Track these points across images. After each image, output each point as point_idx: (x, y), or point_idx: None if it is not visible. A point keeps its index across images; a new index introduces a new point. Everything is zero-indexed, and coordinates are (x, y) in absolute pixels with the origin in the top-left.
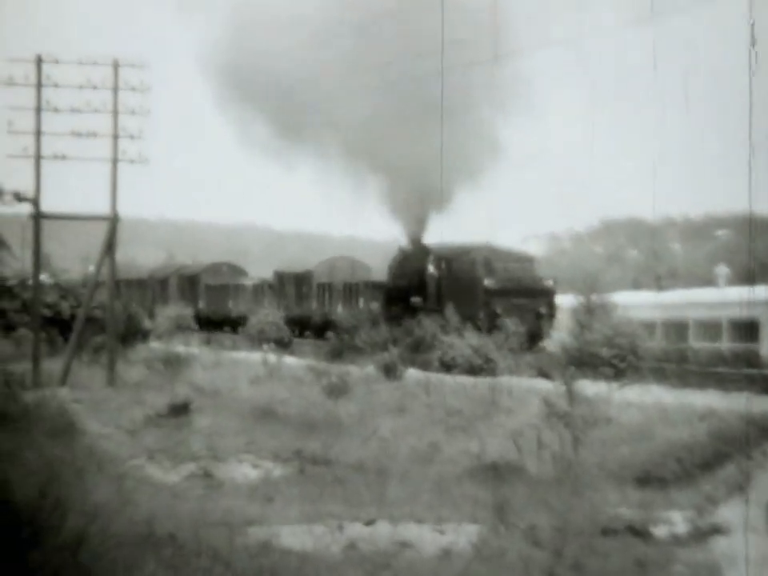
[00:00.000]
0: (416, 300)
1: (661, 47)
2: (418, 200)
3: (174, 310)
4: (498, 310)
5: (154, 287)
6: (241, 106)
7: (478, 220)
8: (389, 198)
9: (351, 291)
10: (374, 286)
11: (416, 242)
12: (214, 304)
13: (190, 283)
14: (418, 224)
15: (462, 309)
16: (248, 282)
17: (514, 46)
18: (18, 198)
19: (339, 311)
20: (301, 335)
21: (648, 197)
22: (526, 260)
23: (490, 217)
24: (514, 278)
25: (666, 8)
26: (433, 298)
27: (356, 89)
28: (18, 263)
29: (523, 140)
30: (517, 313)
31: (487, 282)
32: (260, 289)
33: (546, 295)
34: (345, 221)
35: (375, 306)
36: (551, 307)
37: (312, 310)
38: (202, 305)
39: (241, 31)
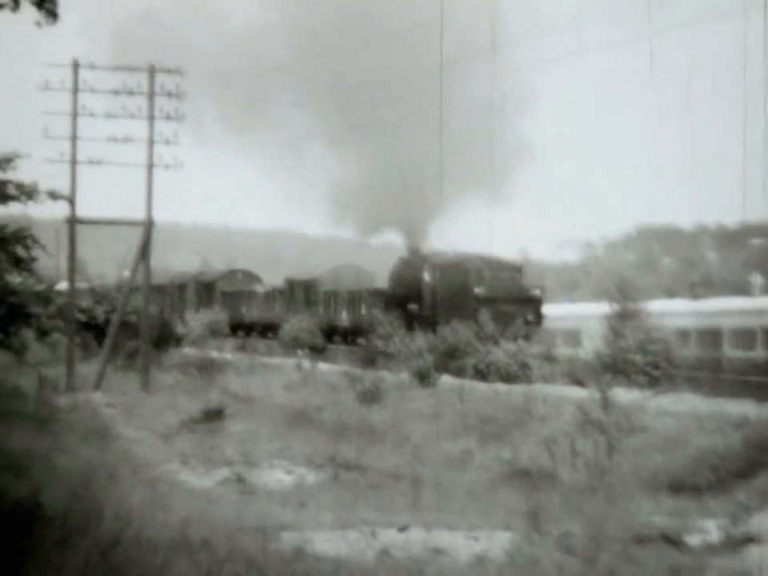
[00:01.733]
0: (413, 306)
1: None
2: (416, 211)
3: (207, 316)
4: (487, 317)
5: (173, 293)
6: (250, 121)
7: (507, 228)
8: (389, 208)
9: (354, 298)
10: (375, 294)
11: (414, 251)
12: (228, 309)
13: (206, 290)
14: (416, 234)
15: (454, 315)
16: (260, 289)
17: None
18: (53, 196)
19: (343, 316)
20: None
21: (683, 205)
22: (514, 270)
23: (517, 225)
24: (502, 287)
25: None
26: (428, 305)
27: (358, 102)
28: (53, 262)
29: (547, 147)
30: (505, 319)
31: (477, 290)
32: (271, 295)
33: (533, 303)
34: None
35: (376, 311)
36: (538, 315)
37: (318, 315)
38: (217, 310)
39: (250, 46)
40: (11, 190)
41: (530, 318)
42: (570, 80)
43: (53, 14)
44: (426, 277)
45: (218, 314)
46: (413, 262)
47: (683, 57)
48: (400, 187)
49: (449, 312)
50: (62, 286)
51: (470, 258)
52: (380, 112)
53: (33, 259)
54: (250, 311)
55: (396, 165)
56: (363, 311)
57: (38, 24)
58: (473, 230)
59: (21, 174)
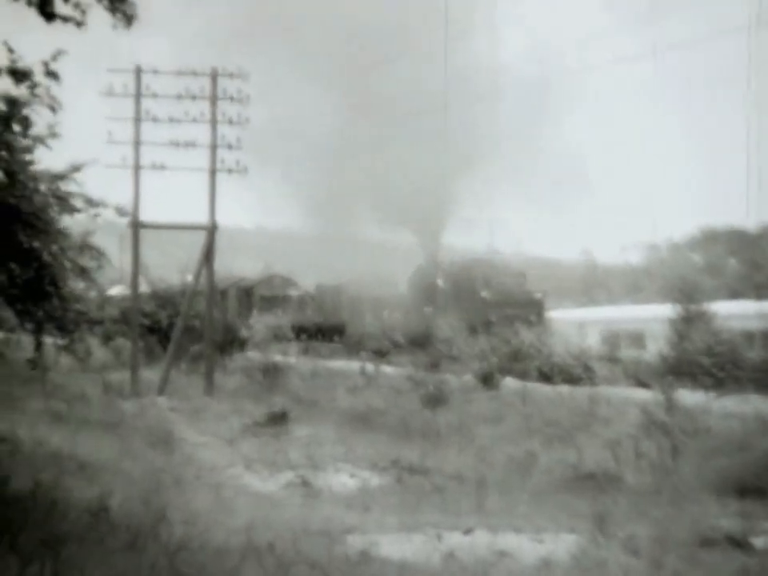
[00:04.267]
0: (427, 310)
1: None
2: (431, 222)
3: (271, 319)
4: (493, 319)
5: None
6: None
7: (570, 231)
8: (407, 219)
9: (375, 303)
10: (396, 298)
11: (431, 258)
12: (265, 312)
13: (246, 294)
14: (432, 243)
15: (464, 317)
16: (293, 293)
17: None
18: (121, 212)
19: (367, 320)
20: (331, 340)
21: (748, 206)
22: (518, 275)
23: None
24: (507, 291)
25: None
26: (441, 308)
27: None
28: (116, 273)
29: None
30: (509, 321)
31: (484, 294)
32: (303, 299)
33: (536, 306)
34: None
35: (396, 315)
36: (540, 316)
37: (343, 319)
38: (255, 313)
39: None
40: (78, 203)
41: (533, 319)
42: (604, 89)
43: (128, 17)
44: (440, 282)
45: (280, 318)
46: (428, 269)
47: (733, 61)
48: (415, 200)
49: (459, 314)
50: (115, 290)
51: (478, 264)
52: (411, 126)
53: (100, 266)
54: (284, 314)
55: (409, 179)
56: (385, 315)
57: (114, 27)
58: (535, 234)
59: (85, 177)
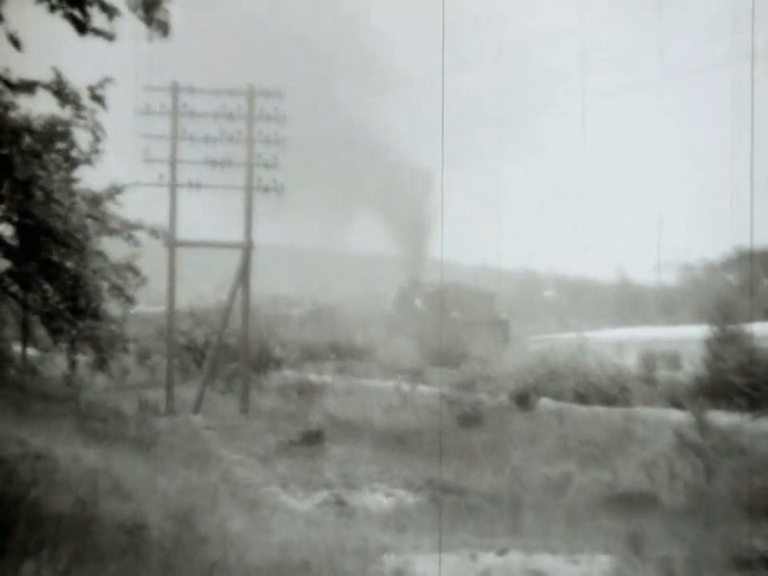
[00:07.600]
0: (410, 329)
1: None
2: (412, 247)
3: (307, 338)
4: (463, 337)
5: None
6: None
7: (603, 249)
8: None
9: (365, 321)
10: (382, 317)
11: (412, 280)
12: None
13: (255, 313)
14: (414, 266)
15: (438, 336)
16: (294, 312)
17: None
18: (155, 234)
19: (359, 336)
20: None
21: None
22: (487, 297)
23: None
24: (475, 312)
25: None
26: (419, 327)
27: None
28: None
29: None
30: (477, 339)
31: (454, 315)
32: (303, 318)
33: (501, 326)
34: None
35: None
36: (505, 334)
37: (338, 336)
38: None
39: None
40: (115, 225)
41: (499, 337)
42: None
43: (163, 26)
44: (418, 302)
45: (317, 337)
46: (409, 290)
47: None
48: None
49: (434, 332)
50: (137, 309)
51: (451, 287)
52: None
53: (139, 283)
54: (285, 332)
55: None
56: (372, 332)
57: (150, 39)
58: (567, 252)
59: (123, 196)
